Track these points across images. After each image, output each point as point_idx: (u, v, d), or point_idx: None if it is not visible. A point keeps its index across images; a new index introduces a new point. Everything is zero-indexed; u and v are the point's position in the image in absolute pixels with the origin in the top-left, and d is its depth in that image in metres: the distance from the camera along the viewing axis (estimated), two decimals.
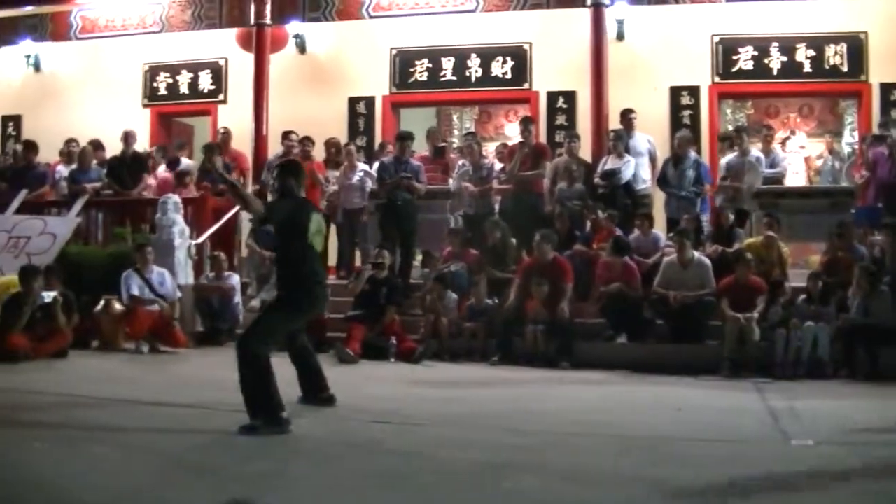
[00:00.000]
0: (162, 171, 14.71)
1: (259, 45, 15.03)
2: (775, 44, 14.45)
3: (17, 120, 17.45)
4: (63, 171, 14.74)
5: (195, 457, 5.86)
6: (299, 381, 7.58)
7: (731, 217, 11.86)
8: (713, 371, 9.88)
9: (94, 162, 14.52)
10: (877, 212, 12.04)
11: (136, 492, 4.99)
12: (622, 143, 12.53)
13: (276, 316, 7.19)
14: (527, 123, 13.19)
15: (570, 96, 14.97)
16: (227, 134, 14.93)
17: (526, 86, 15.35)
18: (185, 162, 14.86)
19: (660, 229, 12.35)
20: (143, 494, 4.97)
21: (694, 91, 14.72)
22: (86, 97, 16.80)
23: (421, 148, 14.61)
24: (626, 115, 13.05)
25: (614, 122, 13.22)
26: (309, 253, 7.13)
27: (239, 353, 6.66)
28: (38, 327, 10.56)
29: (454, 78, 15.57)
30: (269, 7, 14.92)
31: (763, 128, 14.34)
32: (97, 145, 14.92)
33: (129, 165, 14.16)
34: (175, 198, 12.73)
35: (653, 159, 13.00)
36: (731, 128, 15.00)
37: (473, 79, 15.51)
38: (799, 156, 16.98)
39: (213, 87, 16.65)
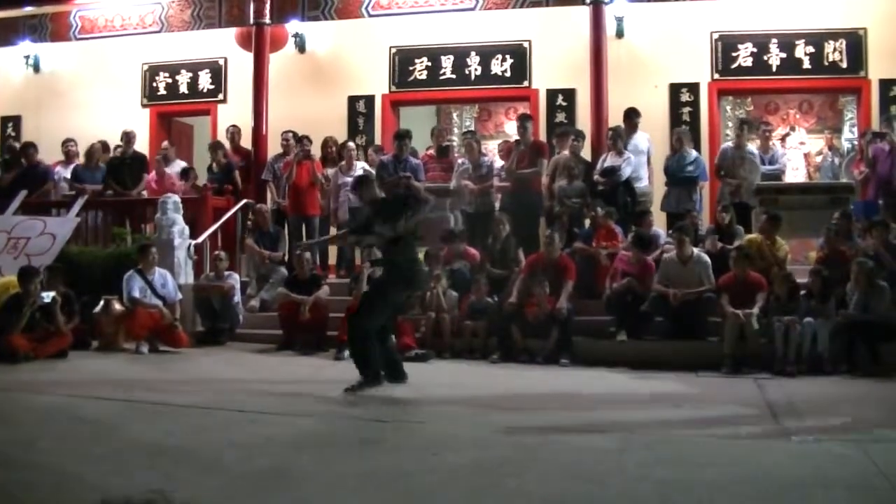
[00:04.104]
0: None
1: (258, 44, 15.03)
2: (774, 40, 14.45)
3: (16, 121, 17.46)
4: (62, 171, 14.72)
5: (197, 455, 5.85)
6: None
7: (731, 213, 11.85)
8: (714, 367, 9.83)
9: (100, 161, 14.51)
10: (874, 208, 12.06)
11: (138, 492, 4.97)
12: (621, 141, 12.50)
13: (379, 296, 8.56)
14: (524, 121, 13.15)
15: (569, 94, 14.97)
16: (236, 132, 14.98)
17: (525, 83, 15.35)
18: (180, 163, 14.93)
19: (658, 227, 12.34)
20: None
21: (693, 88, 14.71)
22: (85, 97, 16.82)
23: (427, 147, 14.70)
24: (631, 117, 12.98)
25: (614, 120, 13.20)
26: (408, 239, 8.52)
27: (350, 327, 8.58)
28: (37, 328, 10.57)
29: (454, 76, 15.56)
30: (268, 6, 14.92)
31: (762, 124, 14.29)
32: (103, 147, 14.88)
33: (130, 166, 14.20)
34: (175, 197, 12.74)
35: (649, 157, 12.97)
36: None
37: (473, 77, 15.50)
38: (798, 152, 17.01)
39: (212, 87, 16.64)
